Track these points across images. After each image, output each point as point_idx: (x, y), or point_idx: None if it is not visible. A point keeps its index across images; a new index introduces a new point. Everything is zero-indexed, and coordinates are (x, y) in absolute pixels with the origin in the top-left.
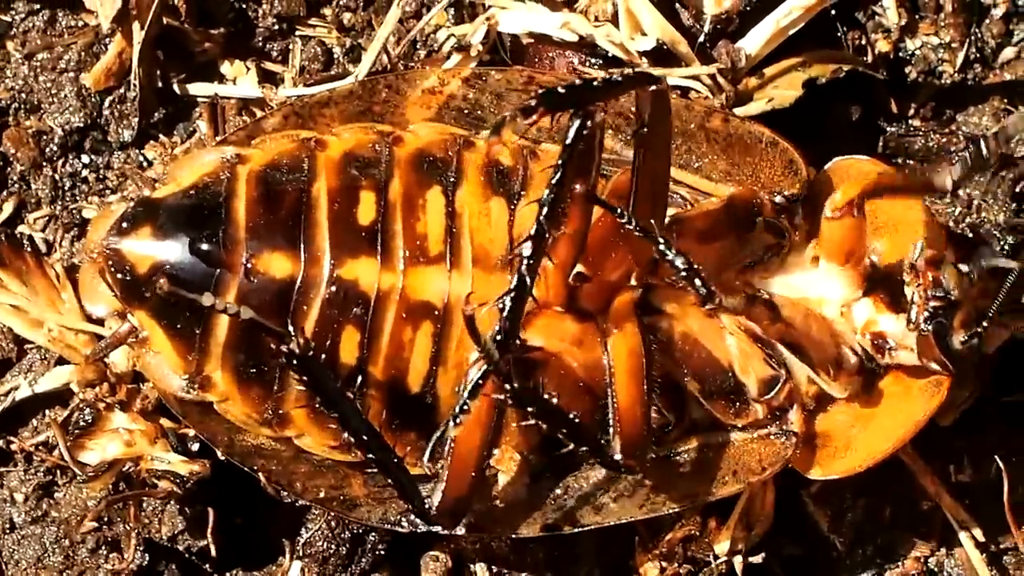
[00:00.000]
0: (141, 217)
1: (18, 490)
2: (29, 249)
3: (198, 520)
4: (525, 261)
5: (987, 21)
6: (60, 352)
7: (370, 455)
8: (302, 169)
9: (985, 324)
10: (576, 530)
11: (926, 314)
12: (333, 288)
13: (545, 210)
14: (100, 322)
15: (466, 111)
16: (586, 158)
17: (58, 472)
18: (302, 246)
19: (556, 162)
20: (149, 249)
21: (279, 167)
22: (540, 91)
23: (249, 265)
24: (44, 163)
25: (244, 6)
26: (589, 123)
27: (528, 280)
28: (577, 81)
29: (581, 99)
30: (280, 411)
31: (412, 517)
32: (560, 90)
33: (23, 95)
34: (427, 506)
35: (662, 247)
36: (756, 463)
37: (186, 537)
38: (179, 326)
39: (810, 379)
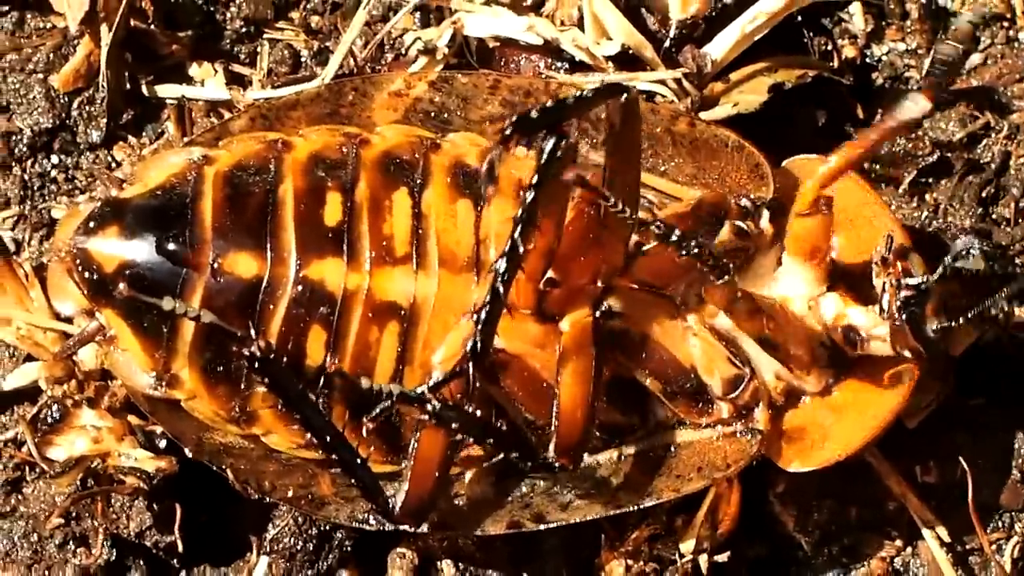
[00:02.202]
0: (108, 217)
1: None
2: None
3: (165, 516)
4: (500, 277)
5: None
6: (28, 350)
7: (333, 455)
8: (269, 170)
9: (959, 314)
10: (541, 527)
11: (898, 303)
12: (299, 288)
13: (519, 228)
14: (68, 320)
15: (432, 114)
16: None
17: (27, 468)
18: (268, 246)
19: (530, 180)
20: (116, 249)
21: (246, 168)
22: (514, 118)
23: (215, 265)
24: (13, 163)
25: (212, 9)
26: (563, 143)
27: (502, 295)
28: (549, 102)
29: (554, 119)
30: (247, 409)
31: (379, 516)
32: (533, 114)
33: None
34: (391, 505)
35: (656, 226)
36: (721, 460)
37: (153, 533)
38: (146, 325)
39: (778, 376)
